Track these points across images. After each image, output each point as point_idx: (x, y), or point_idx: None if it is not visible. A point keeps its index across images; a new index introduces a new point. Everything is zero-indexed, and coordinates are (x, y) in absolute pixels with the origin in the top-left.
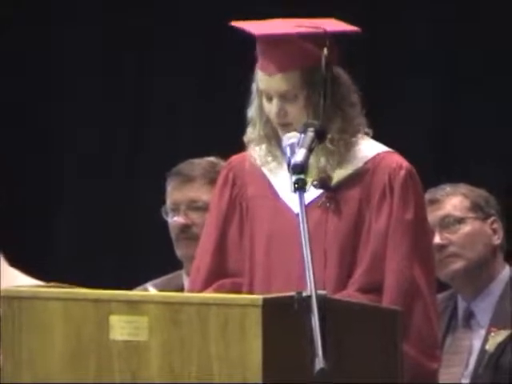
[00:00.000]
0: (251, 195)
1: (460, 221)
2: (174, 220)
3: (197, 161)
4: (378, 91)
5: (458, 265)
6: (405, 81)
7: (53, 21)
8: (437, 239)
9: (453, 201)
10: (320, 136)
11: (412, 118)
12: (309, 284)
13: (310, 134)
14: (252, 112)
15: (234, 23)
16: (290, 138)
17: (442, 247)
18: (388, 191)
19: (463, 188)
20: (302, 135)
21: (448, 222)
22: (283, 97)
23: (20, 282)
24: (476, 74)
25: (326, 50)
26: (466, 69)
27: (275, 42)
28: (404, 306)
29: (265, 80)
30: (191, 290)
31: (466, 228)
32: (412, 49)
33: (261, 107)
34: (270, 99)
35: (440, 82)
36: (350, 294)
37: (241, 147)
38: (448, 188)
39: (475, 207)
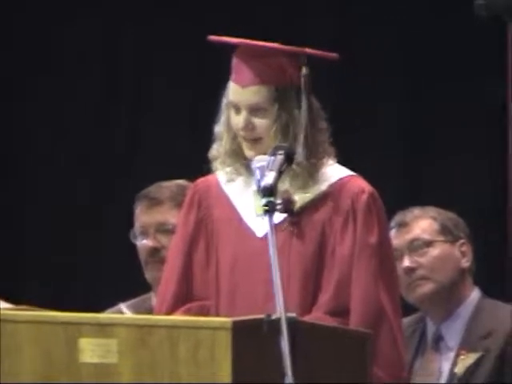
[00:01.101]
0: (216, 217)
1: (429, 244)
2: (143, 243)
3: (165, 184)
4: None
5: (427, 288)
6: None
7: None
8: (406, 262)
9: (421, 224)
10: (289, 159)
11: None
12: (278, 306)
13: (280, 156)
14: (219, 127)
15: (212, 38)
16: (259, 160)
17: (410, 270)
18: (351, 215)
19: (432, 211)
20: (272, 158)
21: (417, 245)
22: (253, 110)
23: None
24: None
25: (304, 69)
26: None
27: (255, 53)
28: (370, 330)
29: (237, 92)
30: (159, 313)
31: (434, 251)
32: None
33: (228, 121)
34: (238, 111)
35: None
36: (319, 316)
37: None
38: (416, 211)
39: (444, 230)
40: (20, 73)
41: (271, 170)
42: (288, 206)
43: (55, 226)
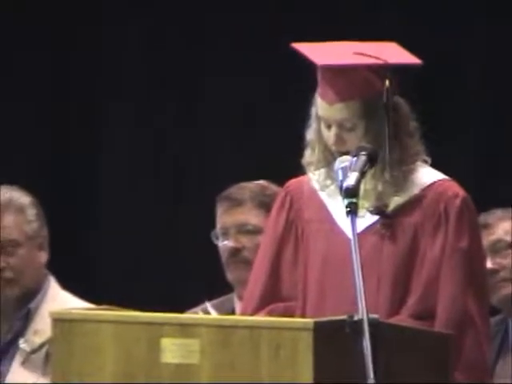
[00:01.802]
0: (307, 219)
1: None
2: (224, 244)
3: (246, 184)
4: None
5: (509, 290)
6: None
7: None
8: (488, 264)
9: (504, 225)
10: (372, 160)
11: None
12: (360, 307)
13: (363, 157)
14: (310, 135)
15: (295, 45)
16: (342, 161)
17: (493, 272)
18: (443, 219)
19: None
20: (355, 159)
21: (499, 247)
22: (342, 126)
23: (71, 305)
24: None
25: (387, 82)
26: None
27: (336, 71)
28: (456, 334)
29: (324, 108)
30: (244, 313)
31: None
32: None
33: (319, 132)
34: (328, 127)
35: None
36: (403, 319)
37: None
38: (499, 212)
39: None
40: None
41: (353, 170)
42: (381, 209)
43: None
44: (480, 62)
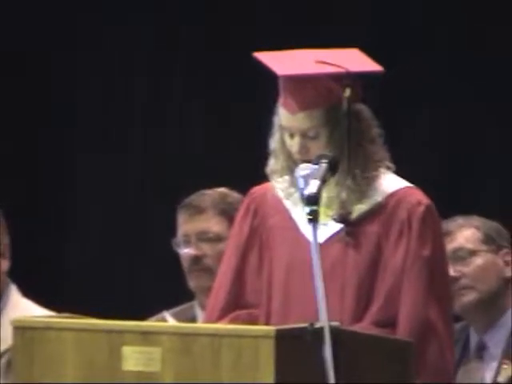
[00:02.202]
0: (271, 226)
1: (472, 253)
2: (186, 252)
3: (207, 192)
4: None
5: (470, 297)
6: None
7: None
8: (449, 271)
9: (465, 233)
10: (333, 167)
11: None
12: (321, 315)
13: (324, 165)
14: (274, 144)
15: (256, 55)
16: (303, 169)
17: (454, 280)
18: (406, 227)
19: (475, 220)
20: (316, 166)
21: (460, 255)
22: (305, 134)
23: (33, 313)
24: None
25: (348, 91)
26: None
27: (297, 81)
28: (417, 342)
29: (287, 118)
30: (208, 320)
31: (478, 260)
32: None
33: (282, 141)
34: (291, 135)
35: None
36: (365, 326)
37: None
38: (460, 220)
39: (488, 239)
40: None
41: (315, 178)
42: (344, 217)
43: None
44: None
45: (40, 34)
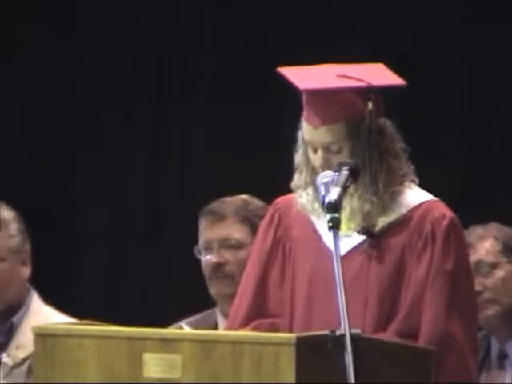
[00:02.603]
0: (295, 237)
1: (493, 266)
2: (207, 259)
3: (229, 199)
4: None
5: (492, 310)
6: None
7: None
8: None
9: (485, 244)
10: (354, 175)
11: None
12: (342, 322)
13: (345, 172)
14: (298, 159)
15: (280, 69)
16: (324, 176)
17: (477, 293)
18: (430, 240)
19: (494, 229)
20: (336, 174)
21: (481, 268)
22: (328, 149)
23: (54, 320)
24: None
25: (370, 105)
26: None
27: (320, 95)
28: (437, 354)
29: (310, 132)
30: (230, 328)
31: (499, 273)
32: None
33: (306, 156)
34: (315, 150)
35: None
36: (387, 336)
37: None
38: (479, 230)
39: (506, 250)
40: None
41: (336, 185)
42: (368, 229)
43: (113, 241)
44: None
45: None
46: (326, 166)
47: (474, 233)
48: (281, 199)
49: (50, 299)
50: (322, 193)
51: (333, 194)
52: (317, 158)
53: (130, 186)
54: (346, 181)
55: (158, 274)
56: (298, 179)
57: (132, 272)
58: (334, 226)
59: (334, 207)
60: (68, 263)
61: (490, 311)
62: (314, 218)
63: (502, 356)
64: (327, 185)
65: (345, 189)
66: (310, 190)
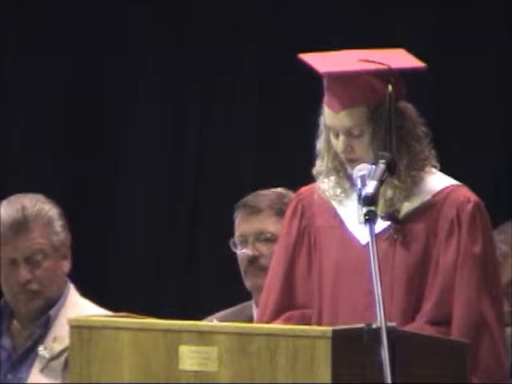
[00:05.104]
0: (319, 226)
1: None
2: (243, 252)
3: (264, 192)
4: None
5: None
6: None
7: None
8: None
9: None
10: (391, 168)
11: None
12: (379, 316)
13: (382, 166)
14: (320, 145)
15: (301, 56)
16: (360, 169)
17: None
18: (456, 225)
19: None
20: (373, 167)
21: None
22: (349, 133)
23: (90, 312)
24: None
25: (390, 87)
26: None
27: (340, 79)
28: (472, 340)
29: (331, 116)
30: (260, 320)
31: None
32: None
33: (328, 141)
34: (336, 135)
35: None
36: (420, 326)
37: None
38: (504, 247)
39: None
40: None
41: (372, 179)
42: (392, 215)
43: (150, 234)
44: None
45: None
46: (348, 150)
47: (499, 251)
48: (303, 189)
49: (87, 292)
50: (359, 186)
51: (369, 188)
52: (338, 143)
53: (169, 180)
54: (383, 174)
55: (195, 267)
56: (319, 165)
57: (168, 265)
58: (371, 219)
59: (370, 200)
60: (105, 256)
61: None
62: (335, 204)
63: None
64: (363, 178)
65: (381, 182)
66: (332, 176)
